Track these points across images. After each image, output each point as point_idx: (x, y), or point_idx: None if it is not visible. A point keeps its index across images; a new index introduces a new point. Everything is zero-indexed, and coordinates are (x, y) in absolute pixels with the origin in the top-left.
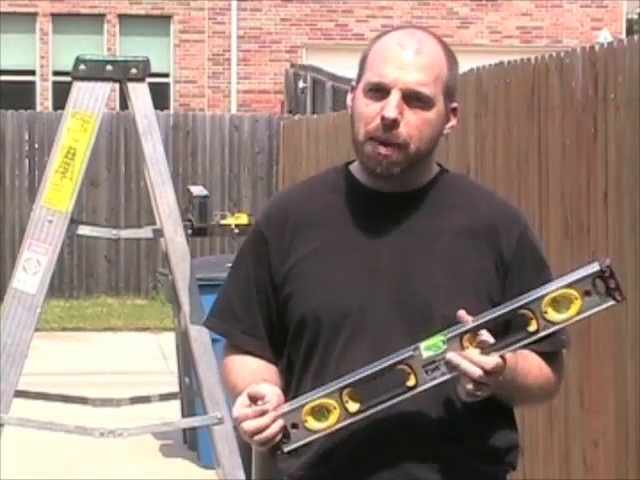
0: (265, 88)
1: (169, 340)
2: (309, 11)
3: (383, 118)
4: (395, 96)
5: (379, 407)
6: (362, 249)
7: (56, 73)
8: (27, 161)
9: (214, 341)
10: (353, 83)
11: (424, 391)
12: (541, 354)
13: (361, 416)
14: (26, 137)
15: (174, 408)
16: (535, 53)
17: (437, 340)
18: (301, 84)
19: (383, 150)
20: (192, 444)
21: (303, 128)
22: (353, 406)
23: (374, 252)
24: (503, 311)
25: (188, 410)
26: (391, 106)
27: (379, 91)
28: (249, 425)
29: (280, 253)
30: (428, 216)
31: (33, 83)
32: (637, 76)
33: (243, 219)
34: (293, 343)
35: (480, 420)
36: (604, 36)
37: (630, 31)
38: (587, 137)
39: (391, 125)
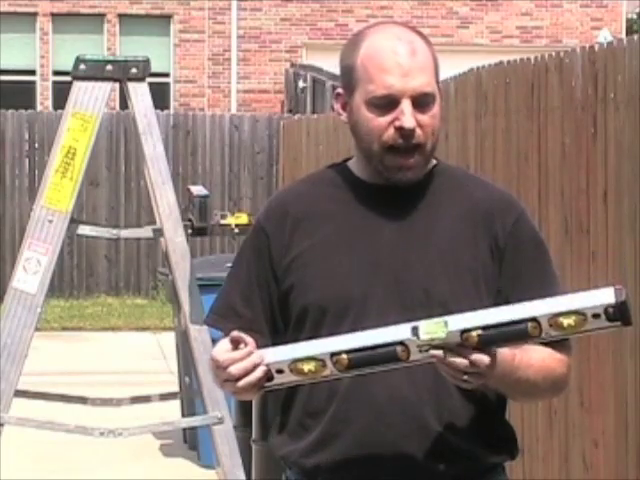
0: (265, 88)
1: (169, 340)
2: (309, 11)
3: (402, 128)
4: (407, 105)
5: (366, 371)
6: (362, 240)
7: (56, 73)
8: (27, 161)
9: (214, 340)
10: (341, 92)
11: (413, 364)
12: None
13: (346, 375)
14: (26, 137)
15: (174, 408)
16: (535, 53)
17: (438, 327)
18: (301, 84)
19: (406, 162)
20: (192, 444)
21: (303, 128)
22: (342, 366)
23: (374, 243)
24: (510, 319)
25: (188, 409)
26: (408, 116)
27: (386, 102)
28: (238, 368)
29: (281, 247)
30: (426, 206)
31: (33, 83)
32: (637, 76)
33: (243, 219)
34: (293, 335)
35: (480, 410)
36: (604, 36)
37: (630, 31)
38: (587, 137)
39: (410, 134)
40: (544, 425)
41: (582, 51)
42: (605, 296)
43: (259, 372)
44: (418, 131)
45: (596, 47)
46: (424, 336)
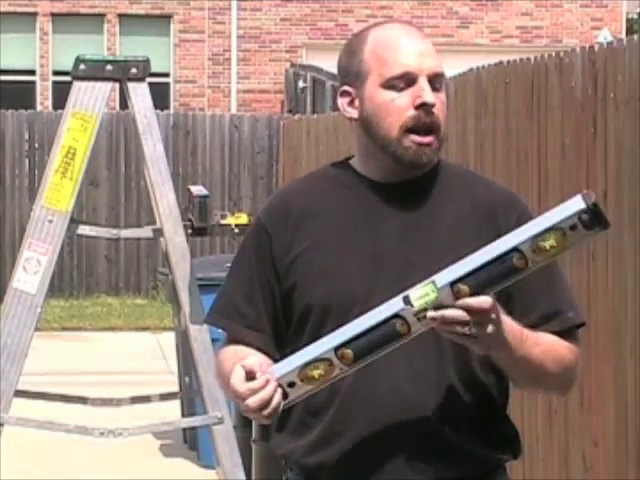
0: (265, 88)
1: (169, 340)
2: (309, 11)
3: (424, 104)
4: (425, 83)
5: (374, 357)
6: (365, 238)
7: (56, 73)
8: (27, 161)
9: (214, 340)
10: (347, 88)
11: (416, 334)
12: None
13: (356, 367)
14: (26, 137)
15: (174, 408)
16: (535, 53)
17: (427, 289)
18: (301, 84)
19: (426, 139)
20: (192, 444)
21: (303, 128)
22: (348, 360)
23: (377, 241)
24: (495, 255)
25: (188, 410)
26: (428, 91)
27: (403, 82)
28: (255, 400)
29: (283, 245)
30: (429, 203)
31: (33, 83)
32: (637, 76)
33: (243, 219)
34: (295, 334)
35: (482, 408)
36: (604, 36)
37: (630, 31)
38: (587, 137)
39: (431, 111)
40: (544, 425)
41: (582, 51)
42: (575, 204)
43: (277, 399)
44: (435, 110)
45: (596, 47)
46: (417, 302)
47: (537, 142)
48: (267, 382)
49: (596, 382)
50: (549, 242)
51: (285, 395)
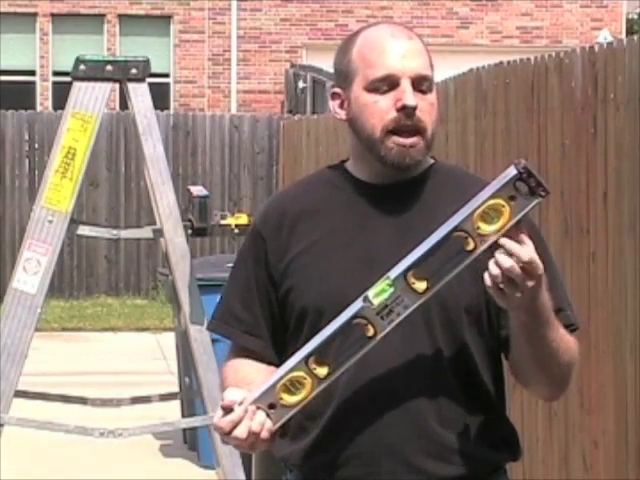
0: (265, 88)
1: (169, 340)
2: (309, 11)
3: (404, 107)
4: (408, 85)
5: (346, 365)
6: (359, 240)
7: (56, 73)
8: (27, 161)
9: (214, 341)
10: (337, 90)
11: (385, 336)
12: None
13: (332, 378)
14: (26, 137)
15: (174, 408)
16: (535, 53)
17: (383, 285)
18: (301, 84)
19: (408, 141)
20: (192, 444)
21: (303, 128)
22: (322, 371)
23: (371, 242)
24: (438, 238)
25: (188, 410)
26: (409, 94)
27: (386, 84)
28: (242, 430)
29: (278, 250)
30: (423, 204)
31: (33, 83)
32: (637, 76)
33: (243, 219)
34: (292, 337)
35: (481, 408)
36: (604, 36)
37: (630, 31)
38: (587, 137)
39: (412, 113)
40: (544, 426)
41: (582, 51)
42: (508, 174)
43: (258, 421)
44: (419, 113)
45: (596, 47)
46: (376, 300)
47: (537, 142)
48: (246, 410)
49: (596, 382)
50: (494, 221)
51: (269, 416)
